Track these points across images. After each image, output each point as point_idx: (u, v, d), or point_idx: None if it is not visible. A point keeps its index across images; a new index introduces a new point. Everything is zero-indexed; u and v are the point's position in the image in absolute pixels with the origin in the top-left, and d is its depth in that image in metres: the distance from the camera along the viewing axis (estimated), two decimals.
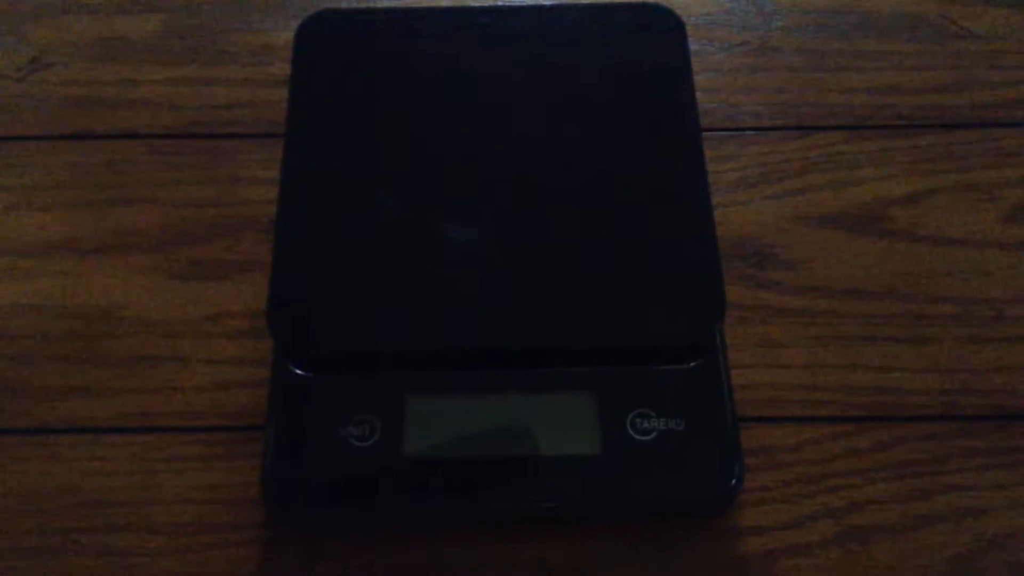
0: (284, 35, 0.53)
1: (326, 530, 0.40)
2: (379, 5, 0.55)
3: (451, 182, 0.43)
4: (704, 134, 0.45)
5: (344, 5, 0.55)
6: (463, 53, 0.47)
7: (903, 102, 0.50)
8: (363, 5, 0.55)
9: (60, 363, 0.43)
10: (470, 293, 0.40)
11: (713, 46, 0.52)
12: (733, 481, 0.38)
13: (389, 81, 0.46)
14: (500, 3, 0.55)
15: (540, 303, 0.40)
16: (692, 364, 0.40)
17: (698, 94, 0.45)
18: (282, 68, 0.51)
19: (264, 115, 0.50)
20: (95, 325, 0.44)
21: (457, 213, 0.42)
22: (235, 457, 0.41)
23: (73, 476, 0.41)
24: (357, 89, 0.46)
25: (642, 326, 0.40)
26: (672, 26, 0.47)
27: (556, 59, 0.46)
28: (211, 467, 0.41)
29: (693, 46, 0.46)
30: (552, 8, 0.51)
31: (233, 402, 0.42)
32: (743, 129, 0.49)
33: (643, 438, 0.39)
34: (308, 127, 0.45)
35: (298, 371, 0.40)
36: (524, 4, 0.54)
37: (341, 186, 0.43)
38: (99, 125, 0.51)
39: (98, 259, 0.46)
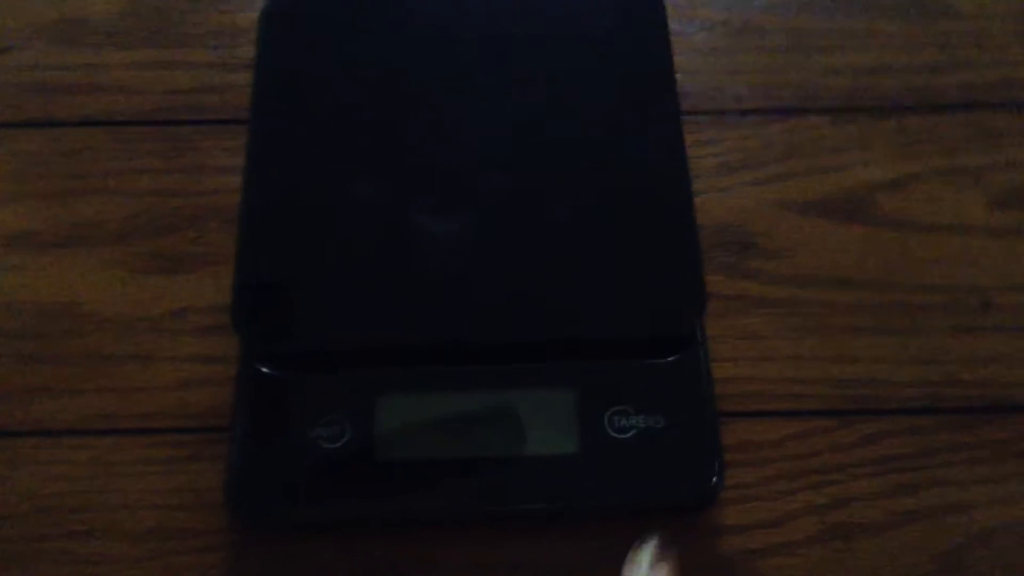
0: (249, 15, 0.51)
1: (295, 535, 0.38)
2: None
3: (422, 170, 0.41)
4: (684, 118, 0.43)
5: None
6: (434, 32, 0.45)
7: (888, 83, 0.49)
8: None
9: (18, 362, 0.42)
10: (442, 286, 0.39)
11: (693, 25, 0.51)
12: (714, 479, 0.37)
13: (358, 62, 0.44)
14: None
15: (514, 296, 0.39)
16: (671, 359, 0.39)
17: (678, 76, 0.44)
18: (247, 51, 0.49)
19: (230, 100, 0.49)
20: (54, 322, 0.43)
21: (429, 202, 0.40)
22: (201, 459, 0.40)
23: (33, 481, 0.39)
24: (325, 71, 0.44)
25: (619, 319, 0.39)
26: (651, 4, 0.45)
27: (529, 40, 0.45)
28: (176, 470, 0.40)
29: (672, 25, 0.44)
30: None
31: (198, 402, 0.41)
32: (724, 112, 0.48)
33: (622, 436, 0.37)
34: (274, 112, 0.43)
35: (265, 370, 0.39)
36: None
37: (309, 174, 0.41)
38: (59, 112, 0.49)
39: (57, 252, 0.44)
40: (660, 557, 0.33)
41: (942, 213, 0.45)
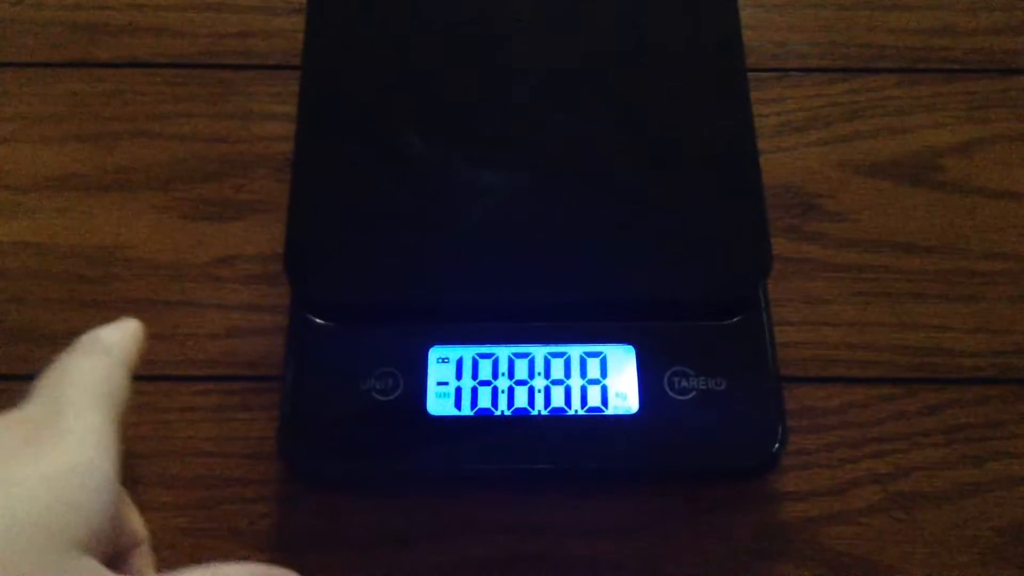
0: None
1: (345, 488, 0.38)
2: None
3: (481, 122, 0.40)
4: (749, 76, 0.42)
5: None
6: None
7: (957, 44, 0.47)
8: None
9: (63, 306, 0.41)
10: (502, 242, 0.38)
11: None
12: (775, 445, 0.36)
13: (415, 9, 0.43)
14: None
15: (575, 254, 0.38)
16: (734, 320, 0.38)
17: (743, 31, 0.42)
18: None
19: (278, 45, 0.47)
20: (100, 266, 0.42)
21: (488, 157, 0.39)
22: (251, 408, 0.39)
23: None
24: (379, 17, 0.42)
25: (682, 280, 0.38)
26: None
27: None
28: (225, 418, 0.39)
29: None
30: None
31: (247, 350, 0.40)
32: (788, 70, 0.47)
33: (681, 397, 0.36)
34: (327, 58, 0.42)
35: (317, 320, 0.38)
36: None
37: (363, 122, 0.40)
38: (103, 52, 0.47)
39: (102, 196, 0.44)
40: None
41: (1011, 179, 0.44)
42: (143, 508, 0.37)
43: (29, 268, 0.42)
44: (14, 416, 0.28)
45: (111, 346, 0.31)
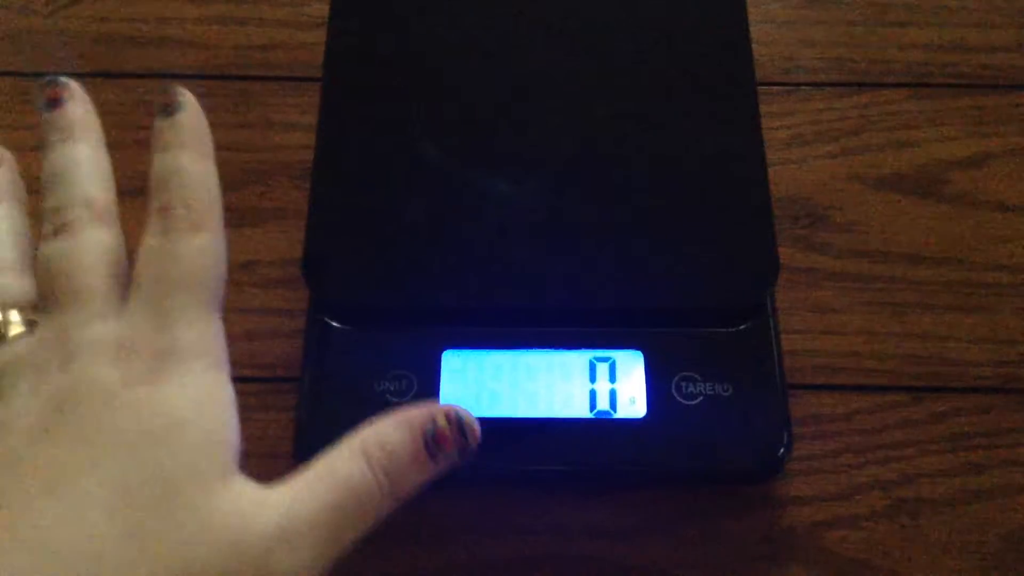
0: None
1: None
2: None
3: (497, 132, 0.41)
4: (759, 90, 0.43)
5: None
6: None
7: (966, 60, 0.48)
8: None
9: None
10: (514, 248, 0.39)
11: None
12: (781, 449, 0.37)
13: (434, 23, 0.44)
14: None
15: (585, 260, 0.39)
16: (741, 327, 0.39)
17: (753, 46, 0.43)
18: (320, 8, 0.49)
19: (300, 57, 0.49)
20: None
21: (503, 164, 0.40)
22: (269, 409, 0.40)
23: None
24: (400, 30, 0.44)
25: (690, 287, 0.38)
26: None
27: (605, 6, 0.44)
28: (245, 419, 0.39)
29: None
30: None
31: (267, 352, 0.41)
32: (799, 84, 0.47)
33: (689, 402, 0.37)
34: (348, 70, 0.43)
35: (333, 323, 0.39)
36: None
37: (382, 133, 0.41)
38: (130, 64, 0.49)
39: (129, 202, 0.45)
40: None
41: (1017, 193, 0.44)
42: None
43: None
44: (120, 333, 0.26)
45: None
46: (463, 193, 0.40)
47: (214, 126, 0.46)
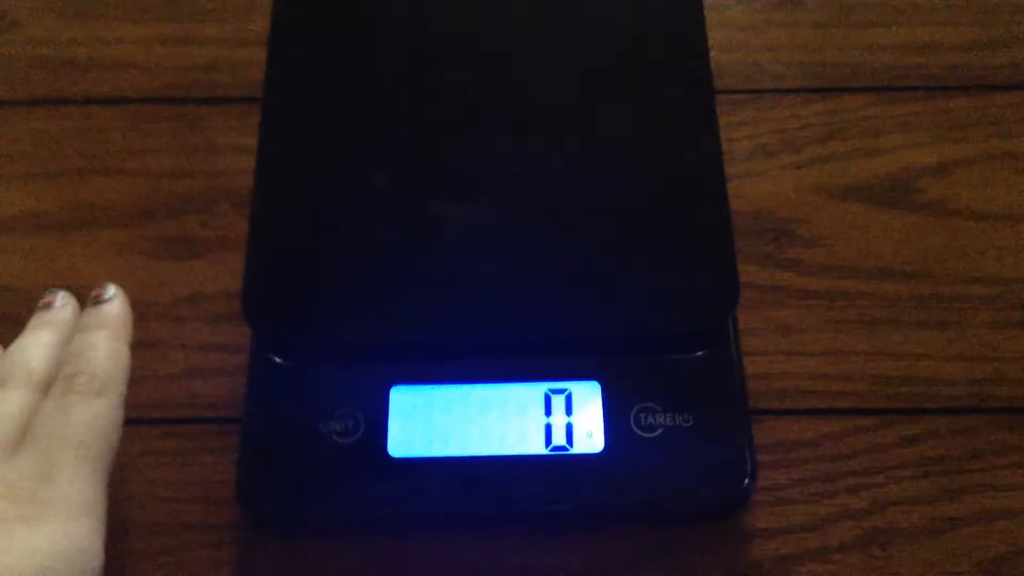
0: None
1: (308, 533, 0.37)
2: None
3: (445, 154, 0.39)
4: (718, 96, 0.41)
5: None
6: (460, 8, 0.43)
7: (935, 62, 0.46)
8: None
9: None
10: (463, 277, 0.37)
11: None
12: (745, 481, 0.35)
13: (378, 39, 0.42)
14: None
15: (536, 287, 0.37)
16: (701, 354, 0.37)
17: (712, 52, 0.41)
18: (262, 24, 0.47)
19: (243, 77, 0.47)
20: None
21: (450, 189, 0.38)
22: (212, 451, 0.38)
23: None
24: (343, 47, 0.42)
25: (647, 312, 0.37)
26: None
27: (558, 13, 0.42)
28: (186, 462, 0.38)
29: None
30: None
31: (209, 392, 0.39)
32: (761, 91, 0.46)
33: (649, 435, 0.36)
34: (289, 90, 0.41)
35: (277, 359, 0.37)
36: None
37: (324, 158, 0.40)
38: (68, 89, 0.47)
39: (64, 235, 0.43)
40: None
41: (991, 200, 0.43)
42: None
43: None
44: (5, 476, 0.28)
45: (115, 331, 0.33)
46: (408, 223, 0.38)
47: (156, 152, 0.45)
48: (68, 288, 0.41)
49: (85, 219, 0.44)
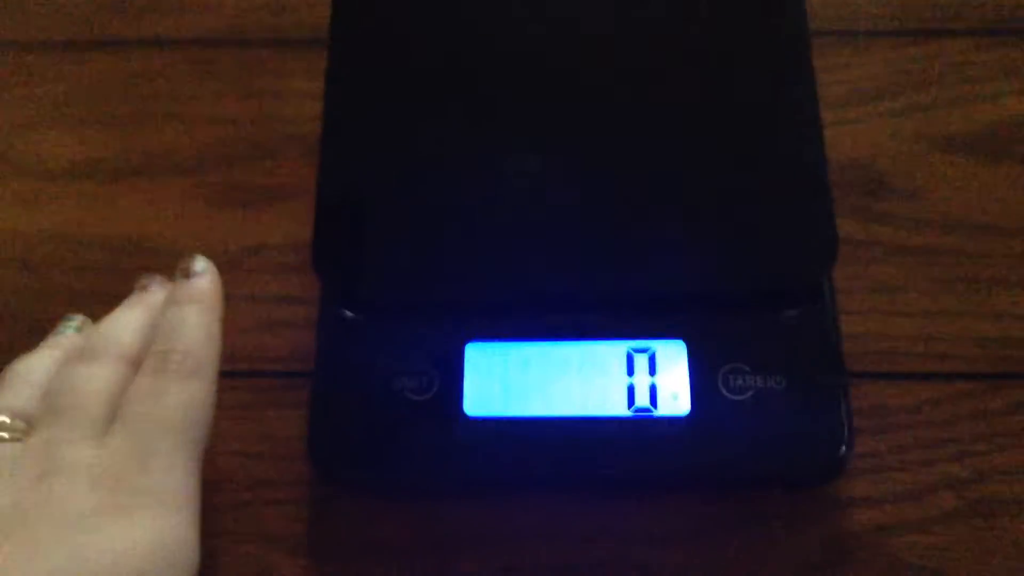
0: None
1: (380, 492, 0.36)
2: None
3: (521, 101, 0.37)
4: (812, 39, 0.39)
5: None
6: None
7: None
8: None
9: (88, 298, 0.39)
10: (543, 230, 0.35)
11: None
12: (842, 448, 0.33)
13: None
14: None
15: (621, 243, 0.35)
16: (795, 312, 0.35)
17: None
18: None
19: (307, 19, 0.45)
20: (125, 256, 0.40)
21: (527, 138, 0.36)
22: (283, 406, 0.37)
23: None
24: None
25: (738, 268, 0.35)
26: None
27: None
28: (258, 416, 0.37)
29: None
30: None
31: (278, 344, 0.38)
32: (856, 33, 0.43)
33: (738, 397, 0.34)
34: (355, 32, 0.39)
35: (347, 313, 0.36)
36: None
37: (395, 102, 0.38)
38: (129, 31, 0.46)
39: (127, 183, 0.42)
40: None
41: None
42: None
43: (52, 259, 0.40)
44: (99, 460, 0.27)
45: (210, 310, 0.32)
46: (487, 171, 0.36)
47: (219, 96, 0.44)
48: (128, 238, 0.40)
49: (145, 166, 0.42)
